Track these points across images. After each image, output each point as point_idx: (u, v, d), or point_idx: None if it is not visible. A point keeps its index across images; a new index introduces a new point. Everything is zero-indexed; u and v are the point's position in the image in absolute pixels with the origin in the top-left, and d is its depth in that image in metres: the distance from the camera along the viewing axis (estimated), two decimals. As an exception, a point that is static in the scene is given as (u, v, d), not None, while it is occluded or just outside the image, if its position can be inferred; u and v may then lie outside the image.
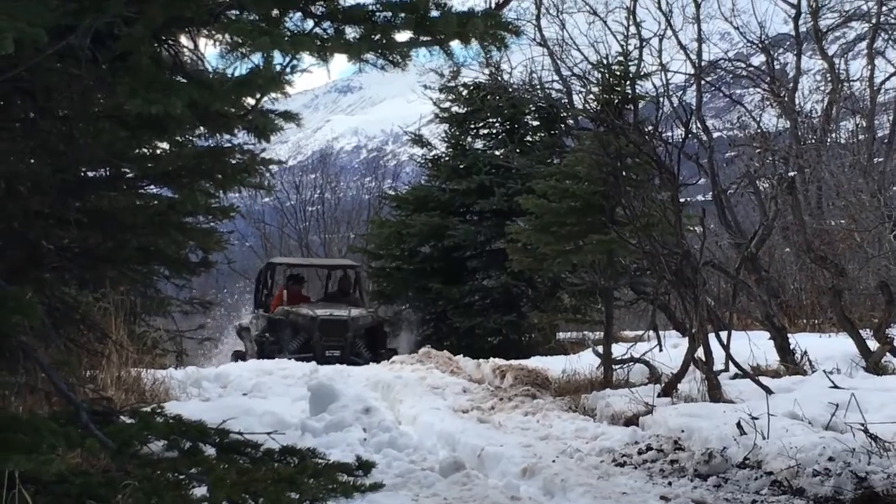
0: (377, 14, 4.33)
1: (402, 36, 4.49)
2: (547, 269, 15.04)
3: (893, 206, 15.36)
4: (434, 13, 4.30)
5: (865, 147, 19.76)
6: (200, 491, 3.89)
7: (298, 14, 4.40)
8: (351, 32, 4.38)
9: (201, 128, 6.25)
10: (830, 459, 7.44)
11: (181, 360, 13.47)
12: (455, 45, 4.72)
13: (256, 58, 4.51)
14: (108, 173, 7.56)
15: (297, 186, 54.36)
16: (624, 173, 12.35)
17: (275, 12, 4.38)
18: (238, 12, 4.41)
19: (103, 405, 5.32)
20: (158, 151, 7.29)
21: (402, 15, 4.34)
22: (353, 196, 59.24)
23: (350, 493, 4.07)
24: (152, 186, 8.20)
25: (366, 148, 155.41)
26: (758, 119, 23.24)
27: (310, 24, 4.37)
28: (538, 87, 29.97)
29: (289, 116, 5.35)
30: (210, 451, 4.18)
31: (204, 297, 18.15)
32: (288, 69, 4.39)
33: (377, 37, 4.27)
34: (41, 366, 4.56)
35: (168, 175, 7.34)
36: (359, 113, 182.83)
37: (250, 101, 4.81)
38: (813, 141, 20.64)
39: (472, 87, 28.36)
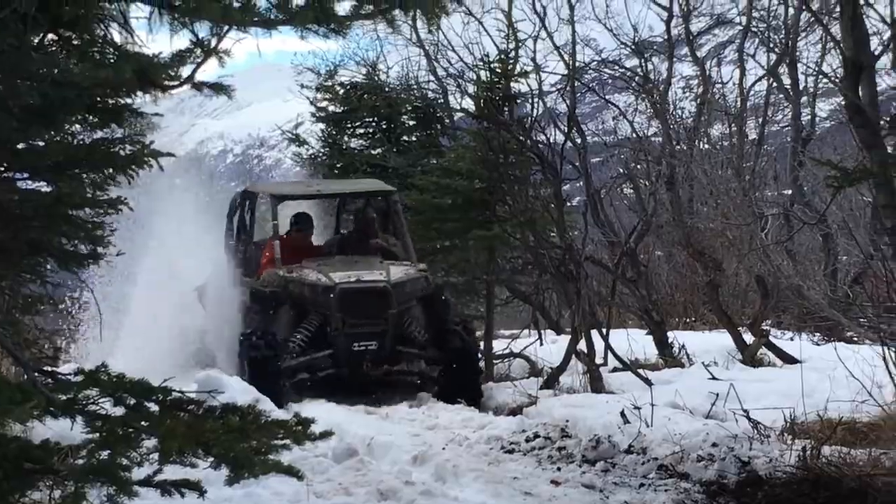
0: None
1: (345, 6, 4.48)
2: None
3: (764, 204, 15.85)
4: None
5: (737, 148, 20.30)
6: (150, 444, 3.89)
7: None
8: (296, 1, 4.37)
9: (88, 120, 6.14)
10: (714, 445, 7.66)
11: (58, 357, 13.20)
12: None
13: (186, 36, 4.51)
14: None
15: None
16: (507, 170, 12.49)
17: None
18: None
19: (49, 364, 5.22)
20: (42, 144, 7.14)
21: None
22: (223, 199, 58.72)
23: (301, 440, 4.11)
24: (39, 179, 8.02)
25: (232, 152, 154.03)
26: (630, 120, 23.72)
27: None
28: (414, 86, 30.03)
29: (219, 88, 5.22)
30: (154, 408, 4.18)
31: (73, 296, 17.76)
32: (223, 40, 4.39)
33: (320, 6, 4.25)
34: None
35: (58, 166, 7.19)
36: (225, 117, 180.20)
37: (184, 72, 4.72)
38: (685, 142, 21.15)
39: (348, 87, 28.34)
